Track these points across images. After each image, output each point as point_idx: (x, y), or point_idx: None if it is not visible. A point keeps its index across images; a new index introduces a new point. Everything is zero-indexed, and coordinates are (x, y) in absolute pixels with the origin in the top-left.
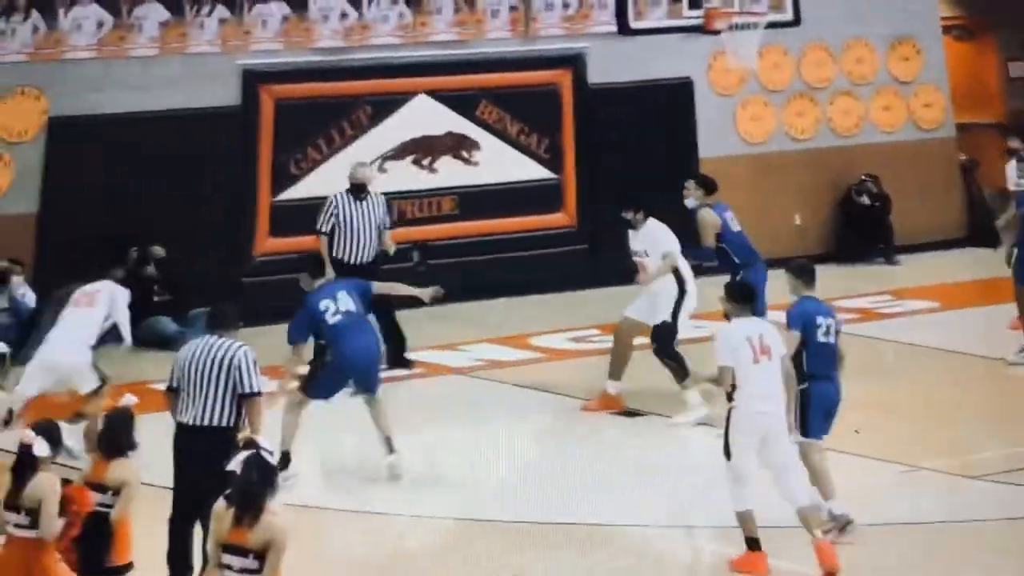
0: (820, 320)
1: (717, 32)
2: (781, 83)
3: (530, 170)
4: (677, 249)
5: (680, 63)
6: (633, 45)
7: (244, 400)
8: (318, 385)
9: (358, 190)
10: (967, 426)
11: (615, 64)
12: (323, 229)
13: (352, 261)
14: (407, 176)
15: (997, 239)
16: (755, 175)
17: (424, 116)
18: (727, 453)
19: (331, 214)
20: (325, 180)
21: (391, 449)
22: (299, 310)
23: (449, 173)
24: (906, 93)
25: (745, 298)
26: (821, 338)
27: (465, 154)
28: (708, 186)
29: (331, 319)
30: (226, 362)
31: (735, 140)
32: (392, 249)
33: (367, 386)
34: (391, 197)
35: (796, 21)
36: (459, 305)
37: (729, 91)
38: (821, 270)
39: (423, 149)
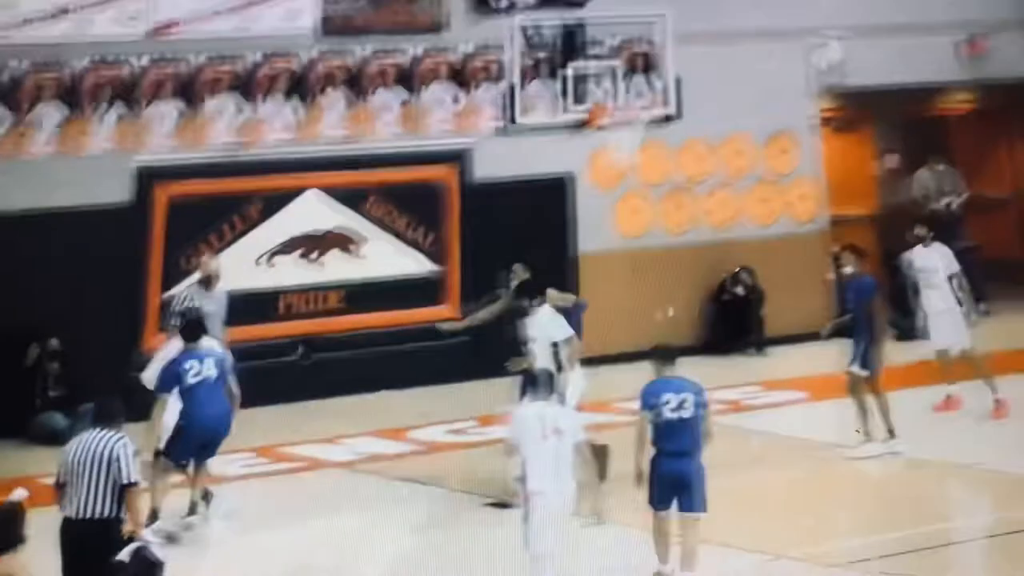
0: (667, 397)
1: (600, 128)
2: (660, 177)
3: (415, 264)
4: (570, 334)
5: (562, 159)
6: (518, 142)
7: (125, 490)
8: (176, 449)
9: (207, 282)
10: (830, 515)
11: (500, 160)
12: (174, 322)
13: None
14: (295, 271)
15: None
16: (632, 269)
17: (313, 211)
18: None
19: (184, 306)
20: None
21: (193, 512)
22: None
23: (336, 267)
24: (782, 186)
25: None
26: (668, 415)
27: (352, 248)
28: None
29: (191, 379)
30: (106, 455)
31: (613, 234)
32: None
33: (209, 452)
34: (278, 292)
35: (677, 116)
36: (344, 399)
37: (609, 186)
38: (692, 361)
39: (311, 244)
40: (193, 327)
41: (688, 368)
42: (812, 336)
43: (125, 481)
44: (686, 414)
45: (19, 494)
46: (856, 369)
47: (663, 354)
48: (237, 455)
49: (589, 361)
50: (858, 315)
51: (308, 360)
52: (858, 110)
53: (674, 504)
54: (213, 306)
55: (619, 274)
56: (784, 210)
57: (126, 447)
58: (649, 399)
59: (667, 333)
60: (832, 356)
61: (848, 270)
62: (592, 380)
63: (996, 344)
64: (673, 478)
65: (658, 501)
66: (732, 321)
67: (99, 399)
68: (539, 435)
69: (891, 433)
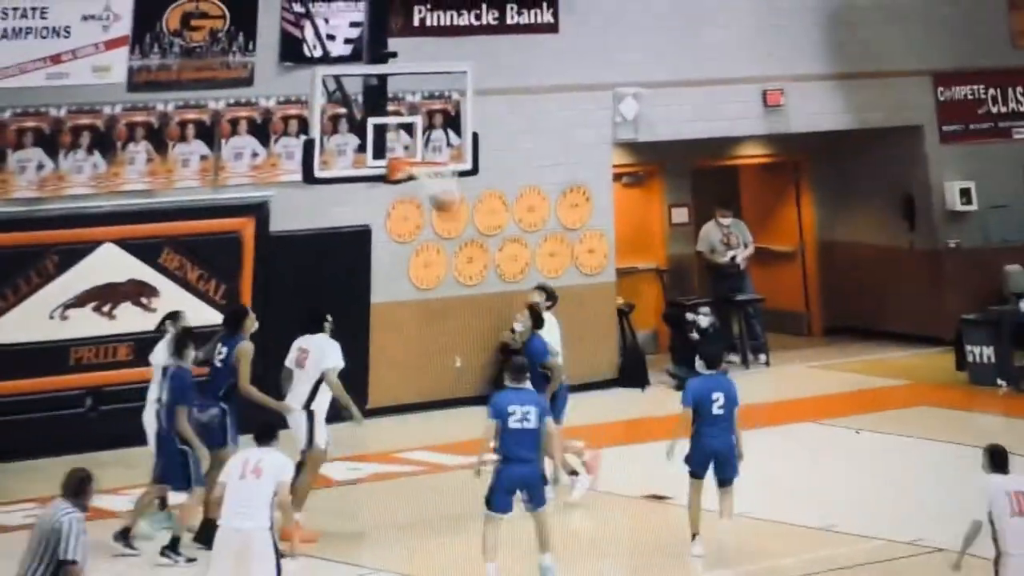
0: (512, 408)
1: (397, 182)
2: (455, 231)
3: (206, 315)
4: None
5: (360, 211)
6: (317, 193)
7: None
8: None
9: None
10: (610, 561)
11: (298, 212)
12: None
13: None
14: (87, 323)
15: (646, 380)
16: (422, 319)
17: (108, 264)
18: None
19: None
20: (8, 329)
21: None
22: None
23: (128, 320)
24: (572, 239)
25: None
26: (513, 424)
27: (144, 301)
28: None
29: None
30: None
31: (406, 286)
32: None
33: None
34: (69, 344)
35: (474, 171)
36: (132, 450)
37: (405, 238)
38: (476, 411)
39: (104, 296)
40: None
41: (469, 416)
42: (595, 385)
43: None
44: (529, 424)
45: None
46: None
47: (515, 371)
48: (21, 505)
49: (375, 412)
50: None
51: (96, 413)
52: (650, 163)
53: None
54: None
55: (409, 324)
56: (572, 262)
57: None
58: (494, 408)
59: (453, 383)
60: (612, 404)
61: (520, 327)
62: (377, 430)
63: (776, 394)
64: (518, 480)
65: (500, 505)
66: None
67: None
68: (237, 475)
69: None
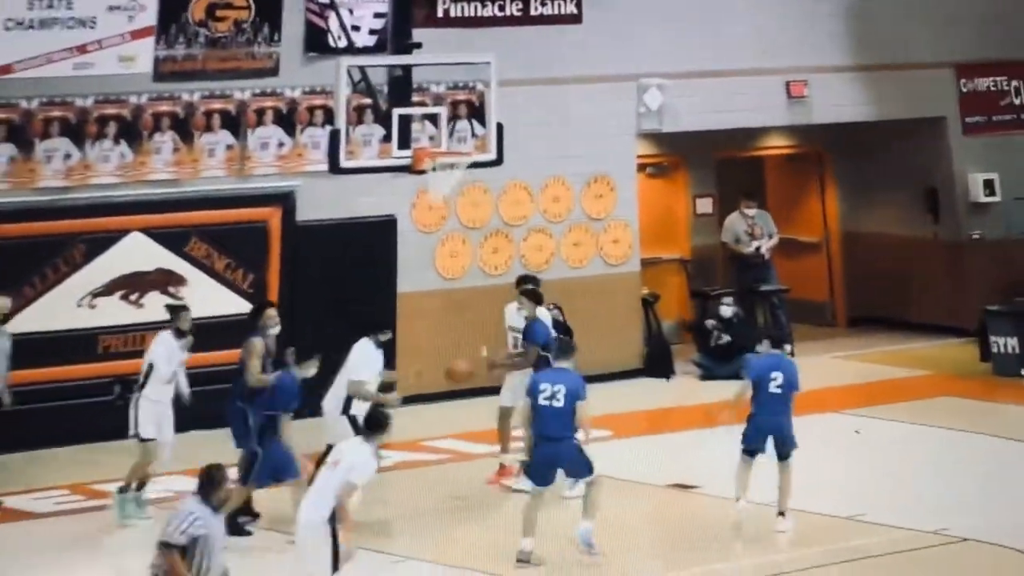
0: (543, 386)
1: (423, 172)
2: (480, 221)
3: (234, 304)
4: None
5: (385, 201)
6: (343, 183)
7: None
8: None
9: None
10: (637, 552)
11: (324, 202)
12: None
13: None
14: (115, 312)
15: (671, 370)
16: (448, 309)
17: (136, 253)
18: None
19: None
20: (37, 317)
21: None
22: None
23: (155, 308)
24: (597, 229)
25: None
26: (541, 401)
27: (172, 289)
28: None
29: None
30: None
31: (432, 275)
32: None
33: None
34: (97, 332)
35: (498, 161)
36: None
37: (431, 228)
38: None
39: (132, 285)
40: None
41: (495, 405)
42: (619, 375)
43: None
44: (559, 404)
45: None
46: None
47: (561, 349)
48: (50, 492)
49: (405, 400)
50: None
51: (123, 401)
52: (674, 154)
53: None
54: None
55: (436, 314)
56: (597, 252)
57: None
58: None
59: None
60: (637, 394)
61: (524, 313)
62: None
63: (800, 384)
64: (553, 458)
65: (540, 481)
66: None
67: None
68: (330, 461)
69: None
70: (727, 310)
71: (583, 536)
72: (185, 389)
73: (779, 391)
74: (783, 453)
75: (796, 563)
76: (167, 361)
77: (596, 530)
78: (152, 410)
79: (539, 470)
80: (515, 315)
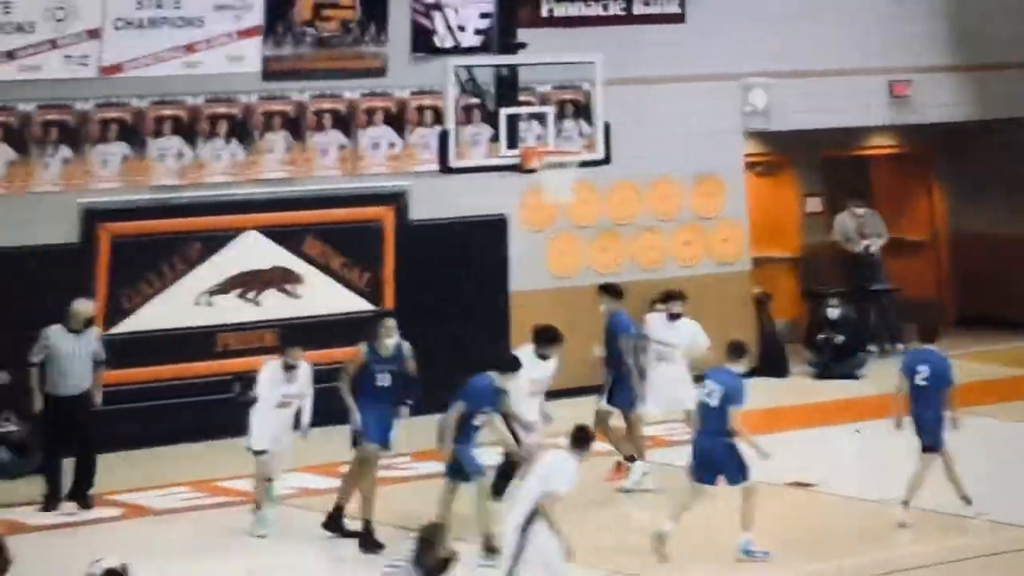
0: (706, 383)
1: (531, 171)
2: (589, 219)
3: (351, 303)
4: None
5: (495, 200)
6: (453, 183)
7: None
8: None
9: (74, 323)
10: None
11: (435, 201)
12: (34, 360)
13: (62, 393)
14: (232, 309)
15: (786, 369)
16: (561, 308)
17: (252, 251)
18: None
19: (43, 346)
20: (155, 314)
21: None
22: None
23: (273, 306)
24: (706, 228)
25: None
26: (700, 398)
27: (288, 287)
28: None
29: None
30: None
31: (544, 274)
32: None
33: None
34: (215, 330)
35: (606, 160)
36: None
37: (540, 227)
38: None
39: (249, 283)
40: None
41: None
42: None
43: None
44: (924, 383)
45: None
46: (603, 405)
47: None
48: (172, 489)
49: None
50: (611, 351)
51: (244, 398)
52: (782, 153)
53: None
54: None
55: (548, 313)
56: (707, 251)
57: None
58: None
59: (593, 371)
60: (753, 394)
61: (603, 307)
62: None
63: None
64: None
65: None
66: None
67: None
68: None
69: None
70: (834, 312)
71: (741, 546)
72: (306, 417)
73: (925, 383)
74: (924, 445)
75: (911, 559)
76: (270, 388)
77: (715, 532)
78: (266, 417)
79: (696, 466)
80: (662, 326)
